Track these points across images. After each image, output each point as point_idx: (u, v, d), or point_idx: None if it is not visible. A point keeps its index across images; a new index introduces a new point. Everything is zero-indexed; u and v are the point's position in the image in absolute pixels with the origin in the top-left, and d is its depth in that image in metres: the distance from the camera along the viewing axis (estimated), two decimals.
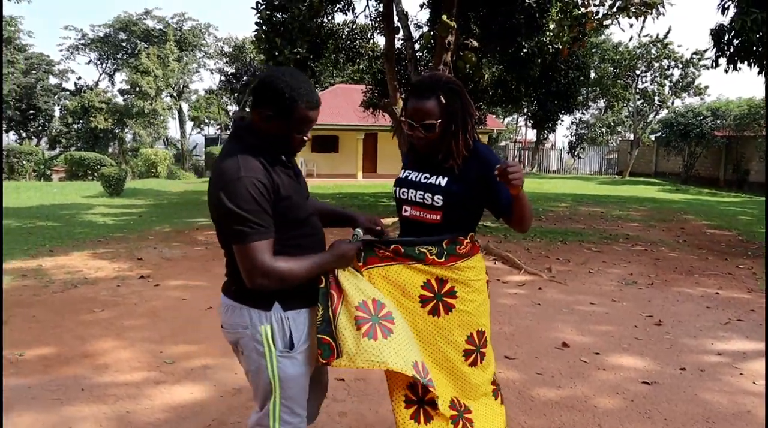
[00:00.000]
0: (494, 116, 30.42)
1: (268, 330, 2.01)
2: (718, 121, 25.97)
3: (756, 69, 9.26)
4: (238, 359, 2.14)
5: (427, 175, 2.27)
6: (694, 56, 28.80)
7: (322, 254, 2.05)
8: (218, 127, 42.86)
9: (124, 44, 39.27)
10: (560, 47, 10.78)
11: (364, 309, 2.04)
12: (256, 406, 2.14)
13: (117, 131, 33.44)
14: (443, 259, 2.21)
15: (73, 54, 40.86)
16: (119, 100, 34.11)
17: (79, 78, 40.38)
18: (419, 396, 2.13)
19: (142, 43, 37.31)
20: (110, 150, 34.06)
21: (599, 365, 4.25)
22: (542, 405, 3.57)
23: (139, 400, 3.53)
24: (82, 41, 39.79)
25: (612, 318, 5.40)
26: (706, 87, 30.32)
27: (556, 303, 5.91)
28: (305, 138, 2.02)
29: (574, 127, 38.06)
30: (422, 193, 2.24)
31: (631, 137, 32.53)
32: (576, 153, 36.48)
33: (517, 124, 43.99)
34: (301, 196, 2.07)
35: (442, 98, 2.16)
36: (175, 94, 38.74)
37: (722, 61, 9.87)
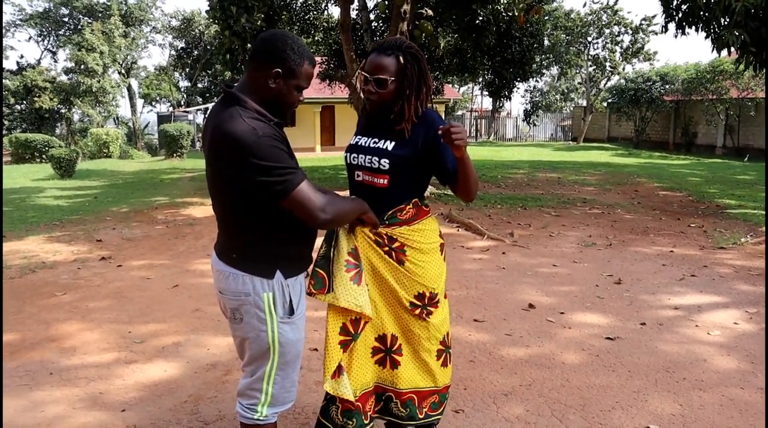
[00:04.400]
0: (450, 85, 30.46)
1: (270, 297, 2.05)
2: (667, 86, 26.58)
3: (703, 34, 9.50)
4: (231, 326, 2.15)
5: (376, 140, 2.31)
6: (643, 22, 29.30)
7: (360, 202, 2.23)
8: (170, 104, 41.73)
9: (65, 19, 37.52)
10: (515, 14, 10.82)
11: (354, 254, 2.24)
12: (246, 372, 2.16)
13: (64, 111, 32.11)
14: (386, 224, 2.30)
15: (11, 30, 38.94)
16: (64, 78, 32.68)
17: (21, 56, 38.41)
18: (355, 332, 2.28)
19: (85, 18, 35.75)
20: (57, 131, 32.77)
21: (564, 323, 4.40)
22: (513, 364, 3.69)
23: (111, 381, 3.49)
24: (21, 17, 37.93)
25: (574, 279, 5.57)
26: (655, 52, 30.96)
27: (520, 266, 6.05)
28: (301, 97, 2.07)
29: (529, 94, 38.49)
30: (370, 157, 2.28)
31: (584, 103, 33.09)
32: (531, 120, 36.94)
33: (472, 92, 44.18)
34: (295, 159, 2.10)
35: (401, 58, 2.21)
36: (123, 71, 37.41)
37: (671, 26, 10.08)
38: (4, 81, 32.60)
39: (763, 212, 9.11)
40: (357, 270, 2.24)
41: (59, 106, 31.10)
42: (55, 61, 45.65)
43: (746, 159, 21.90)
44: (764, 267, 5.93)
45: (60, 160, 16.29)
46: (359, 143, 2.36)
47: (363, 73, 2.24)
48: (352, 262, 2.24)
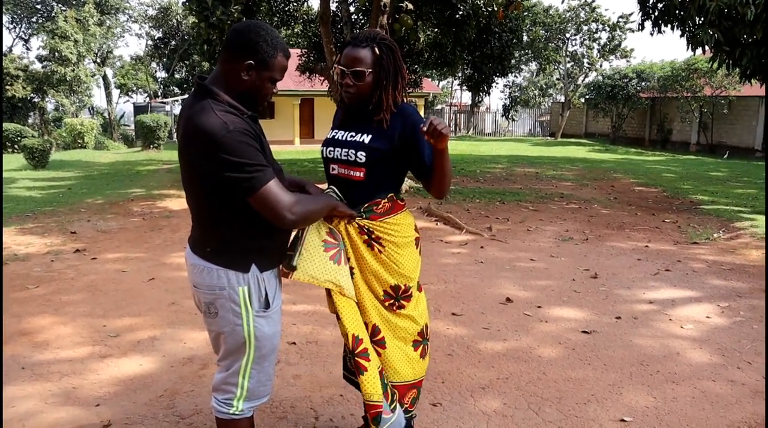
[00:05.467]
0: (430, 79, 30.48)
1: (246, 291, 2.02)
2: (643, 83, 26.92)
3: (678, 32, 9.64)
4: (205, 320, 2.12)
5: (353, 134, 2.32)
6: (620, 19, 29.61)
7: (330, 198, 2.20)
8: (146, 94, 41.12)
9: (38, 6, 36.76)
10: (495, 9, 10.86)
11: (334, 234, 2.25)
12: (221, 366, 2.14)
13: (37, 100, 31.48)
14: (362, 218, 2.29)
15: None
16: (37, 66, 31.99)
17: None
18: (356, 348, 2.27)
19: (59, 5, 35.03)
20: (30, 120, 32.10)
21: (541, 317, 4.44)
22: (490, 358, 3.71)
23: (85, 375, 3.44)
24: None
25: (551, 273, 5.63)
26: (632, 50, 31.32)
27: (498, 260, 6.09)
28: (275, 89, 2.04)
29: (508, 89, 38.68)
30: (347, 150, 2.29)
31: (562, 99, 33.36)
32: (510, 115, 37.12)
33: (452, 87, 44.26)
34: (270, 151, 2.08)
35: (376, 50, 2.22)
36: (98, 60, 36.75)
37: (647, 24, 10.21)
38: None
39: (735, 208, 9.28)
40: (337, 249, 2.23)
41: (32, 95, 30.45)
42: (28, 49, 44.71)
43: (725, 156, 22.21)
44: (736, 263, 6.05)
45: (33, 150, 15.97)
46: (336, 137, 2.37)
47: (340, 67, 2.24)
48: (331, 242, 2.23)
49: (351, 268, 2.27)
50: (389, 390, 2.33)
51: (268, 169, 1.90)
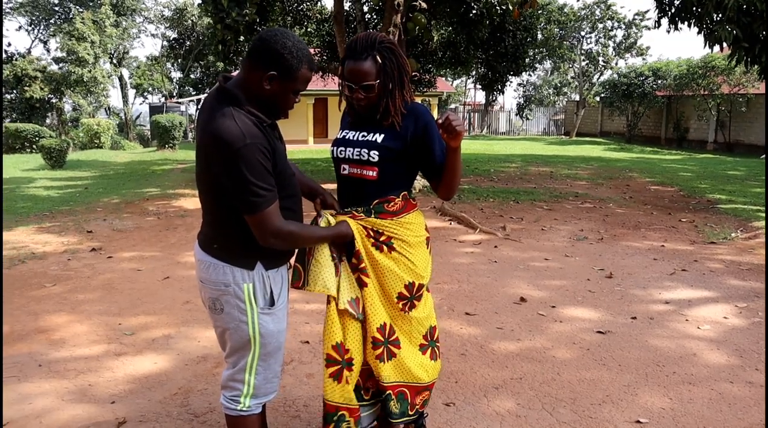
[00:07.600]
0: (443, 78, 30.41)
1: (251, 288, 2.04)
2: (659, 81, 26.65)
3: (695, 29, 9.53)
4: (211, 316, 2.14)
5: (365, 133, 2.31)
6: (636, 17, 29.39)
7: (327, 230, 2.20)
8: (162, 95, 41.42)
9: (56, 8, 37.15)
10: (509, 8, 10.81)
11: (337, 247, 2.28)
12: (228, 363, 2.16)
13: (55, 101, 31.81)
14: (372, 217, 2.28)
15: None
16: (55, 67, 32.33)
17: (9, 45, 37.91)
18: (342, 358, 2.24)
19: (76, 6, 35.39)
20: (48, 121, 32.47)
21: (556, 317, 4.41)
22: (504, 358, 3.69)
23: (100, 373, 3.47)
24: (10, 5, 37.47)
25: (565, 273, 5.58)
26: (648, 47, 31.03)
27: (512, 260, 6.06)
28: (297, 99, 2.03)
29: (522, 88, 38.54)
30: (359, 149, 2.28)
31: (577, 98, 33.15)
32: (524, 114, 36.96)
33: (466, 86, 44.16)
34: (286, 158, 2.09)
35: (378, 58, 2.19)
36: (114, 61, 37.09)
37: (664, 21, 10.11)
38: None
39: (753, 207, 9.16)
40: (334, 261, 2.25)
41: (50, 95, 30.78)
42: (47, 50, 45.15)
43: (763, 157, 21.58)
44: (754, 262, 5.97)
45: (50, 150, 16.15)
46: (347, 137, 2.36)
47: (347, 83, 2.22)
48: (334, 254, 2.25)
49: (363, 268, 2.26)
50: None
51: (271, 193, 1.91)
